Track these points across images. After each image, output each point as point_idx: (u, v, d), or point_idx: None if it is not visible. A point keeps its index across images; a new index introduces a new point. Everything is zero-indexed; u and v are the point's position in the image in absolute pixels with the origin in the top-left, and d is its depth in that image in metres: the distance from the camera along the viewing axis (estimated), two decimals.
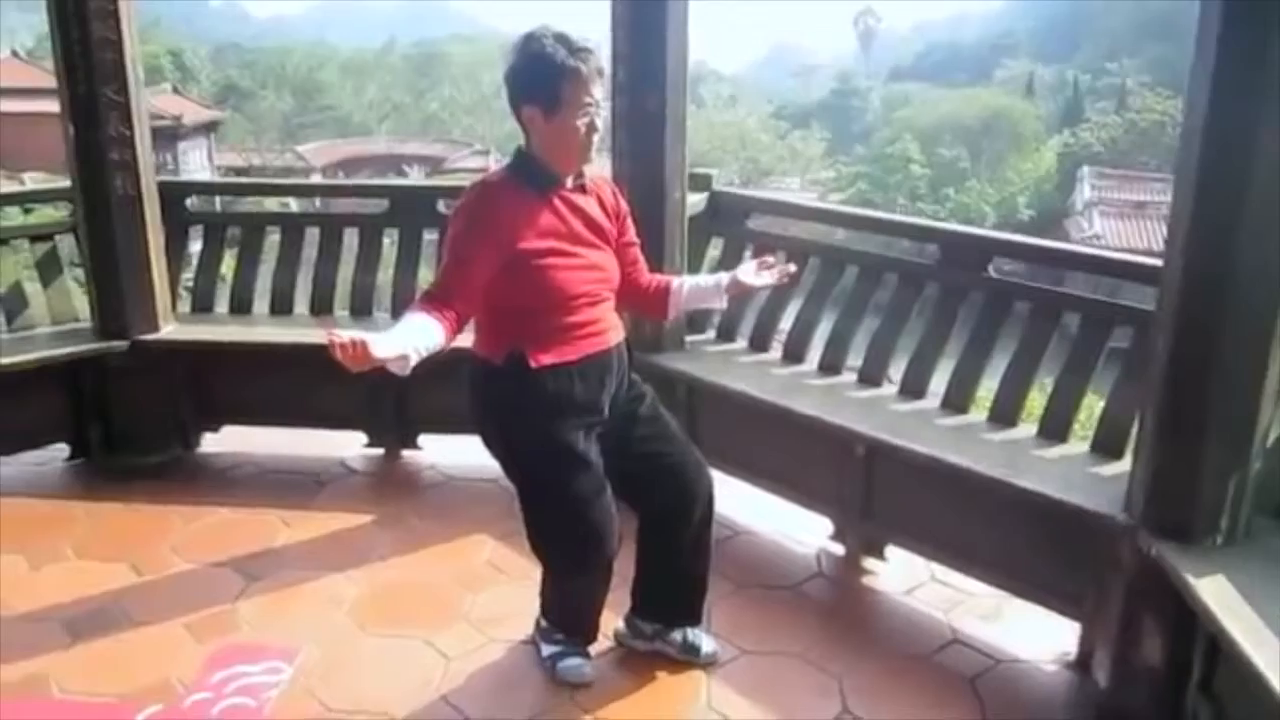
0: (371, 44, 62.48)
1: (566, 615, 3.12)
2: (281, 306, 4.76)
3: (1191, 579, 2.59)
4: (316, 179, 29.92)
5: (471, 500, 4.19)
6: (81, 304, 4.63)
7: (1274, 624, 2.38)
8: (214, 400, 4.61)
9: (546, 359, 2.68)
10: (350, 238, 4.80)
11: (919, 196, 37.94)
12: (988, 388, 3.73)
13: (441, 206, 4.72)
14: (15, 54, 31.88)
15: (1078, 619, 3.17)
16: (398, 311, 4.67)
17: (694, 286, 3.04)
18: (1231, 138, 2.48)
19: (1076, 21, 60.37)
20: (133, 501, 4.17)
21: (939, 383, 3.76)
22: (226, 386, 4.59)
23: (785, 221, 4.80)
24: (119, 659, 3.19)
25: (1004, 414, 3.55)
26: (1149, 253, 4.24)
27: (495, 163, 38.44)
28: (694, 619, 3.16)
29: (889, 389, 3.85)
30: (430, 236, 4.75)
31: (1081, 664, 3.13)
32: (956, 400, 3.66)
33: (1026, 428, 3.52)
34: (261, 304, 4.83)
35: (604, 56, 2.77)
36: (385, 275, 4.83)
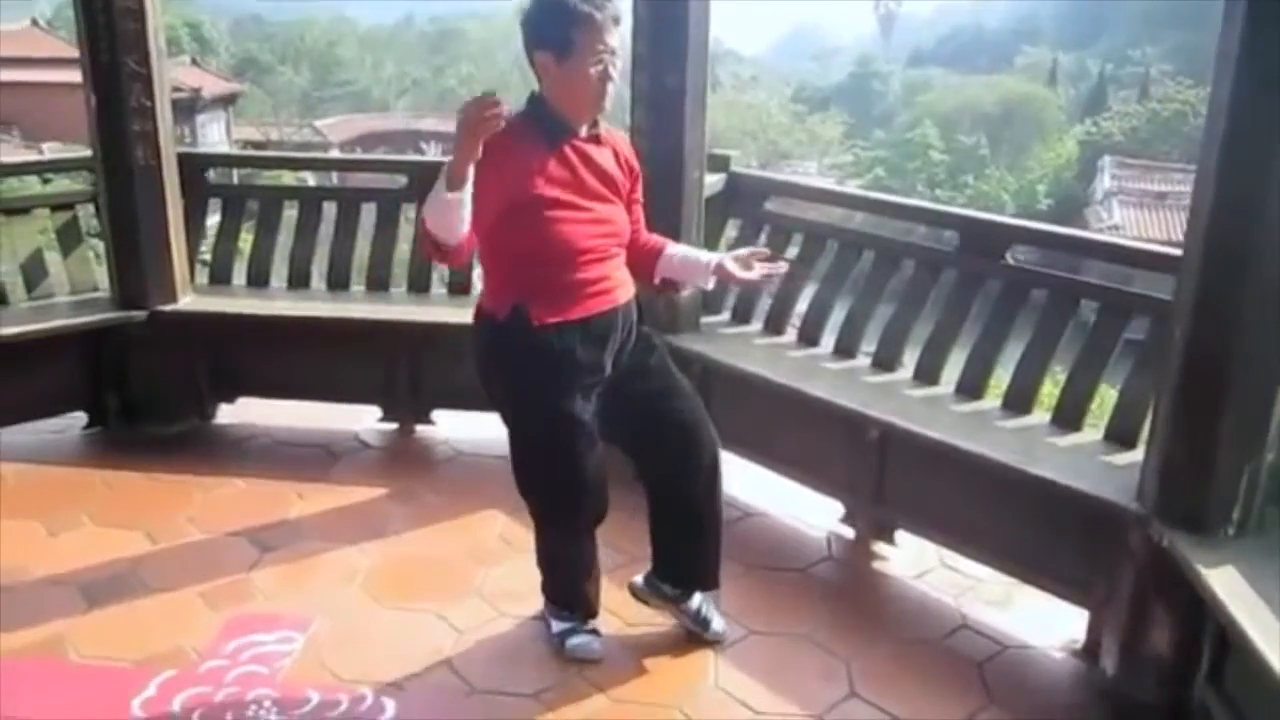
0: (389, 19, 62.31)
1: (558, 584, 3.13)
2: (299, 280, 4.77)
3: (1203, 569, 2.59)
4: (334, 154, 29.99)
5: (484, 476, 4.21)
6: (100, 274, 4.67)
7: None
8: (230, 372, 4.64)
9: (550, 317, 2.68)
10: (367, 213, 4.82)
11: (937, 183, 37.74)
12: (1001, 375, 3.74)
13: None
14: (35, 23, 31.92)
15: (1087, 607, 3.17)
16: (414, 286, 4.70)
17: (685, 258, 2.99)
18: (1254, 127, 2.47)
19: (1100, 8, 59.76)
20: (149, 470, 4.20)
21: (953, 369, 3.76)
22: (243, 358, 4.61)
23: (803, 204, 4.79)
24: (134, 625, 3.23)
25: (1018, 401, 3.55)
26: (1169, 243, 4.19)
27: None
28: (710, 583, 3.13)
29: (903, 374, 3.84)
30: None
31: (1089, 652, 3.14)
32: (971, 386, 3.66)
33: (1040, 415, 3.52)
34: (278, 278, 4.85)
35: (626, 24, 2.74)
36: (402, 251, 4.85)
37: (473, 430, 4.49)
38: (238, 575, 3.50)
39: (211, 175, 5.03)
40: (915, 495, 3.59)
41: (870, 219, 5.01)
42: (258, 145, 32.79)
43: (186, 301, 4.49)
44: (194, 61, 36.78)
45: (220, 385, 4.66)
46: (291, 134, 36.95)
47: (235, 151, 11.56)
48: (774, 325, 4.26)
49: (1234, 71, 2.47)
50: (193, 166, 4.66)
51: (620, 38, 2.65)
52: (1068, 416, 3.42)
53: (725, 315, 4.36)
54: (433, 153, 32.20)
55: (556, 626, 3.12)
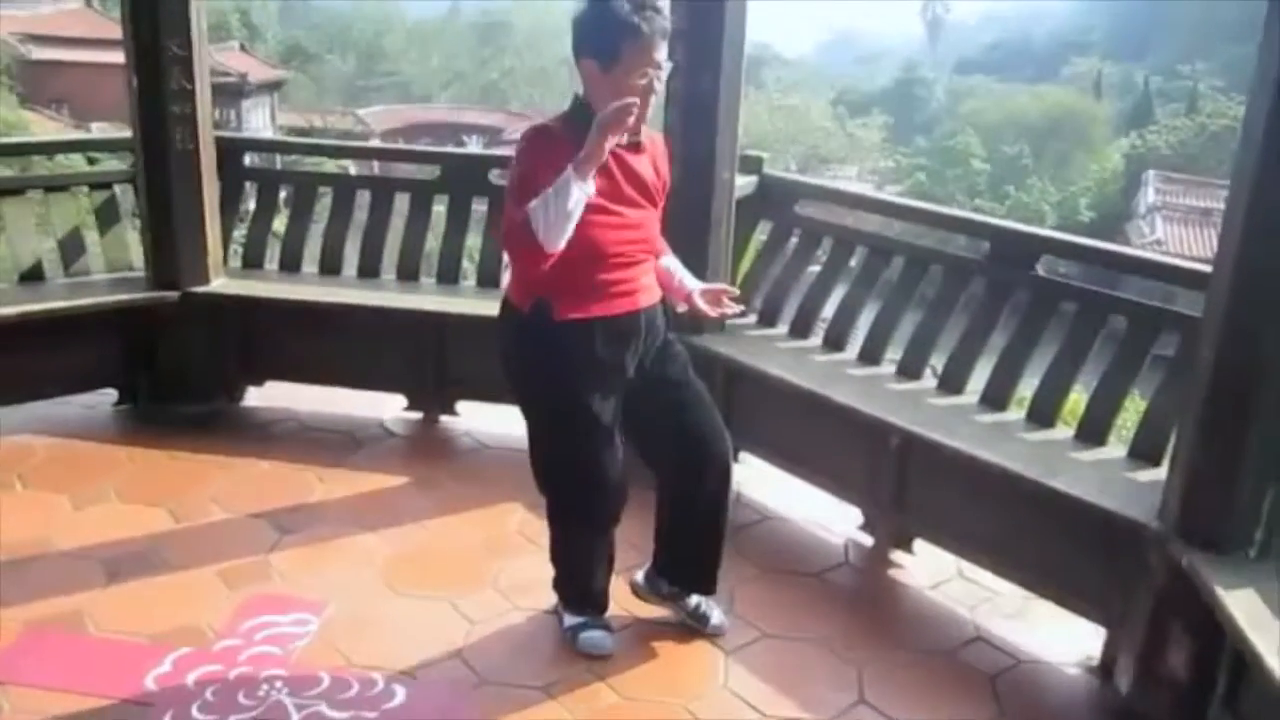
0: (437, 11, 62.61)
1: (568, 581, 3.14)
2: (330, 266, 4.81)
3: (1222, 591, 2.56)
4: (374, 143, 30.17)
5: (505, 469, 4.22)
6: (136, 253, 4.73)
7: None
8: (259, 355, 4.68)
9: (571, 313, 2.71)
10: (401, 202, 4.85)
11: (978, 192, 37.43)
12: (1027, 387, 3.70)
13: (493, 176, 4.76)
14: (89, 3, 32.35)
15: (1103, 624, 3.14)
16: (444, 277, 4.72)
17: (669, 271, 3.00)
18: None
19: (1152, 21, 59.04)
20: (175, 449, 4.25)
21: (978, 379, 3.73)
22: (272, 342, 4.65)
23: (838, 209, 4.77)
24: (153, 601, 3.27)
25: (1042, 414, 3.51)
26: (1211, 260, 4.10)
27: None
28: (707, 588, 3.17)
29: (928, 382, 3.82)
30: (480, 206, 4.80)
31: (1104, 669, 3.11)
32: (995, 397, 3.63)
33: (1064, 429, 3.49)
34: (310, 263, 4.89)
35: None
36: (433, 242, 4.88)
37: (496, 422, 4.50)
38: (256, 556, 3.54)
39: (249, 160, 5.09)
40: (935, 505, 3.56)
41: (908, 228, 4.98)
42: (301, 132, 33.00)
43: (219, 284, 4.54)
44: (242, 47, 37.14)
45: (249, 368, 4.71)
46: (335, 122, 37.18)
47: (271, 137, 11.68)
48: (800, 329, 4.24)
49: (1273, 89, 2.44)
50: (230, 150, 4.71)
51: (665, 52, 2.64)
52: (1092, 431, 3.39)
53: (751, 318, 4.35)
54: (474, 146, 32.48)
55: (568, 621, 3.13)
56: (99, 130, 16.47)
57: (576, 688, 2.94)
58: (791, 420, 3.89)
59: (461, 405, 4.64)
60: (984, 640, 3.27)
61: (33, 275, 4.50)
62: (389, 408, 4.68)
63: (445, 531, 3.77)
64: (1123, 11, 62.38)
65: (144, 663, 2.96)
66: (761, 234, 4.52)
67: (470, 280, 4.82)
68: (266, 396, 4.75)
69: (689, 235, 3.68)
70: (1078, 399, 3.83)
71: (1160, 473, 3.09)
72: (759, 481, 4.02)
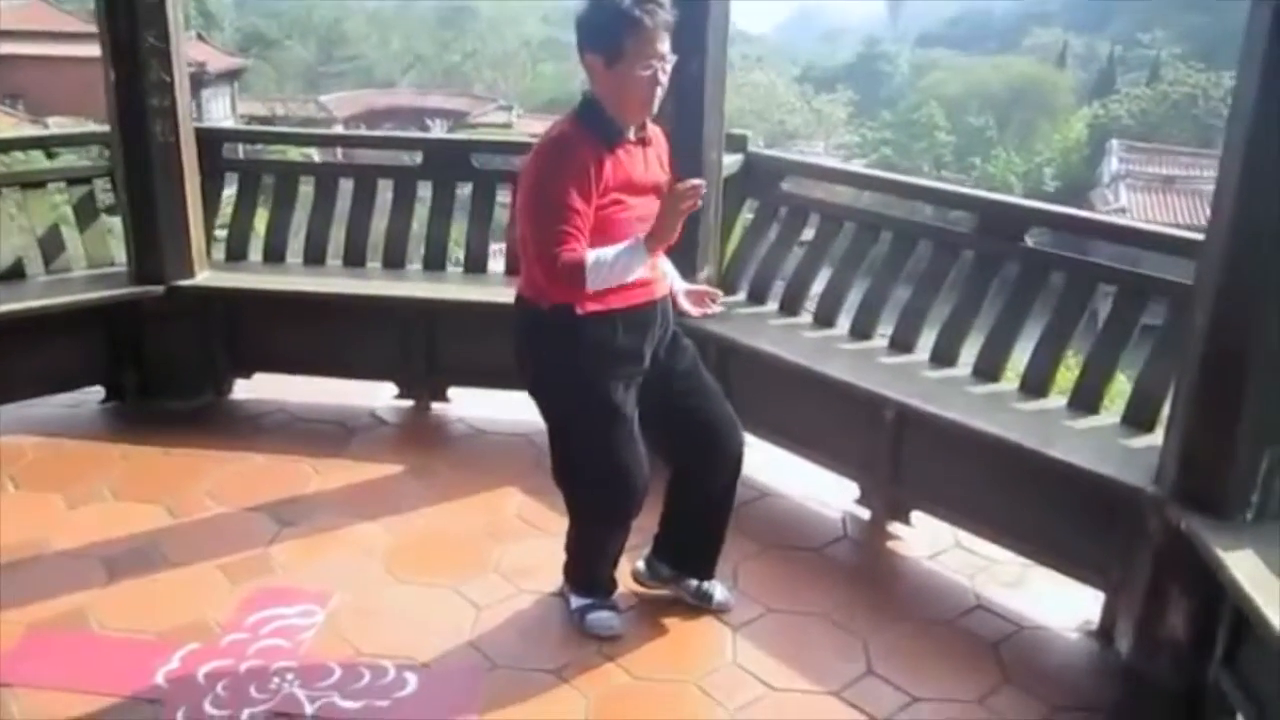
0: None
1: (585, 570, 3.16)
2: (315, 256, 4.78)
3: (1221, 553, 2.61)
4: (338, 130, 29.87)
5: (500, 454, 4.23)
6: (115, 248, 4.68)
7: None
8: (247, 347, 4.65)
9: (593, 306, 2.71)
10: (383, 190, 4.82)
11: (944, 164, 37.64)
12: (1018, 357, 3.74)
13: (475, 161, 4.75)
14: None
15: (1102, 589, 3.19)
16: (430, 264, 4.70)
17: (668, 273, 3.02)
18: None
19: None
20: (166, 445, 4.22)
21: (970, 351, 3.77)
22: (260, 334, 4.62)
23: (815, 184, 4.79)
24: (156, 598, 3.26)
25: (1035, 384, 3.56)
26: (1176, 227, 4.17)
27: (518, 118, 38.40)
28: (707, 573, 3.22)
29: (920, 355, 3.85)
30: (463, 190, 4.78)
31: (1104, 633, 3.16)
32: (988, 369, 3.67)
33: (1057, 398, 3.53)
34: (293, 254, 4.85)
35: None
36: (418, 228, 4.85)
37: (489, 408, 4.51)
38: (257, 549, 3.53)
39: (228, 151, 5.03)
40: (931, 476, 3.60)
41: (878, 198, 5.00)
42: (263, 120, 32.69)
43: (204, 277, 4.50)
44: (199, 36, 36.62)
45: (237, 361, 4.67)
46: (296, 109, 36.82)
47: (255, 127, 11.57)
48: (789, 306, 4.26)
49: (1262, 54, 2.47)
50: (209, 142, 4.66)
51: (669, 44, 2.65)
52: (1085, 399, 3.43)
53: (741, 295, 4.36)
54: (438, 130, 32.23)
55: (576, 602, 3.15)
56: (58, 124, 16.21)
57: (588, 669, 2.96)
58: (785, 397, 3.92)
59: (453, 391, 4.63)
60: (985, 608, 3.32)
61: (13, 274, 4.44)
62: (379, 396, 4.66)
63: (445, 518, 3.77)
64: None
65: (152, 659, 2.95)
66: (748, 212, 4.53)
67: (457, 267, 4.79)
68: (255, 389, 4.72)
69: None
70: (1068, 368, 3.87)
71: (1154, 439, 3.14)
72: (755, 459, 3.99)
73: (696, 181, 2.57)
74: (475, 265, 4.70)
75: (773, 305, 4.31)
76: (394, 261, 4.75)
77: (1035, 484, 3.28)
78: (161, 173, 4.26)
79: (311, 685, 2.87)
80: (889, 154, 38.15)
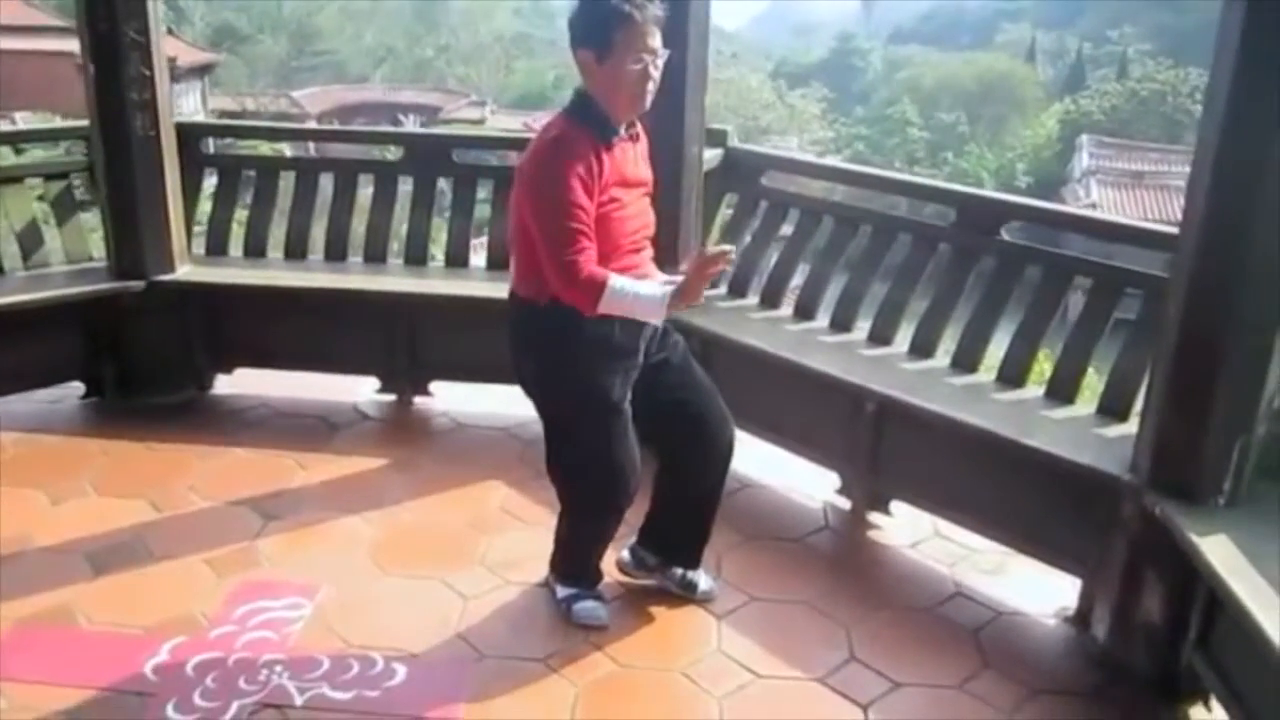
0: None
1: (574, 561, 3.19)
2: (296, 251, 4.78)
3: (1195, 538, 2.67)
4: (310, 125, 29.67)
5: (484, 447, 4.25)
6: (94, 243, 4.66)
7: (1275, 583, 2.46)
8: (228, 342, 4.64)
9: None
10: (364, 185, 4.83)
11: (916, 160, 37.85)
12: (995, 349, 3.80)
13: (456, 156, 4.77)
14: None
15: (1079, 575, 3.25)
16: (412, 259, 4.72)
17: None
18: (1252, 107, 2.53)
19: None
20: (148, 440, 4.22)
21: (949, 343, 3.83)
22: (241, 329, 4.62)
23: (795, 179, 4.83)
24: (142, 592, 3.26)
25: (1012, 375, 3.62)
26: (1147, 223, 4.26)
27: (491, 114, 38.29)
28: (693, 562, 3.26)
29: (899, 347, 3.91)
30: (444, 184, 4.80)
31: (1081, 619, 3.22)
32: (966, 360, 3.73)
33: (1034, 389, 3.59)
34: (274, 248, 4.84)
35: None
36: (399, 223, 4.86)
37: (471, 402, 4.54)
38: (242, 543, 3.54)
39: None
40: (911, 466, 3.66)
41: (856, 193, 5.05)
42: (234, 116, 32.43)
43: (184, 271, 4.50)
44: (169, 30, 36.19)
45: (218, 356, 4.67)
46: (268, 104, 36.51)
47: (236, 122, 11.48)
48: (770, 299, 4.31)
49: (1235, 51, 2.53)
50: (189, 136, 4.65)
51: (660, 39, 2.68)
52: (1061, 390, 3.50)
53: (722, 289, 4.40)
54: (410, 125, 32.06)
55: (562, 592, 3.18)
56: (24, 120, 16.04)
57: (576, 658, 2.99)
58: (767, 389, 3.95)
59: (435, 386, 4.64)
60: (964, 596, 3.38)
61: None
62: (362, 391, 4.67)
63: (429, 511, 3.79)
64: None
65: (140, 653, 2.95)
66: (728, 207, 4.57)
67: (439, 262, 4.81)
68: (237, 384, 4.72)
69: (661, 212, 3.69)
70: (1044, 359, 3.94)
71: (1129, 428, 3.21)
72: (737, 450, 4.05)
73: (727, 248, 2.66)
74: (456, 260, 4.72)
75: (753, 299, 4.36)
76: (375, 256, 4.75)
77: (1013, 473, 3.33)
78: (141, 167, 4.26)
79: (301, 676, 2.88)
80: (862, 150, 38.37)
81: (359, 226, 4.85)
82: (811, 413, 3.88)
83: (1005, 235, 3.74)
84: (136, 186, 4.28)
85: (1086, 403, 3.49)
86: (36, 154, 4.87)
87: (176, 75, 31.68)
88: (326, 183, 4.85)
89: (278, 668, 2.92)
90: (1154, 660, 2.95)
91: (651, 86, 2.71)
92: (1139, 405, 3.14)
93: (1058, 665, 3.11)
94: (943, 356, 3.81)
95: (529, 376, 2.92)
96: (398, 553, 3.51)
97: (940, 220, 4.02)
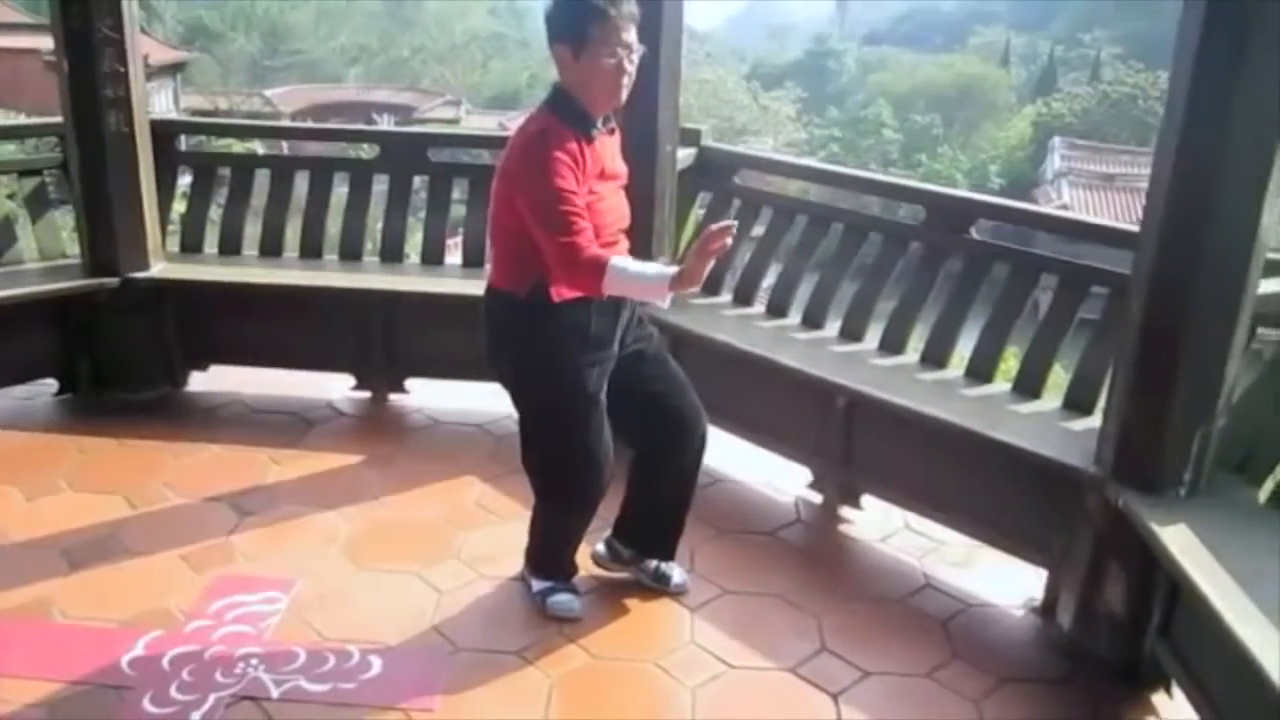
0: None
1: (548, 554, 3.22)
2: (271, 248, 4.78)
3: (1156, 527, 2.73)
4: (284, 124, 29.50)
5: (459, 443, 4.28)
6: (68, 240, 4.65)
7: (1232, 570, 2.53)
8: (203, 339, 4.64)
9: (569, 293, 2.78)
10: (339, 183, 4.84)
11: (891, 161, 38.03)
12: (964, 345, 3.86)
13: (432, 154, 4.79)
14: None
15: (1045, 566, 3.32)
16: (387, 256, 4.73)
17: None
18: (1209, 111, 2.59)
19: None
20: (123, 437, 4.22)
21: (918, 339, 3.89)
22: (215, 326, 4.62)
23: (768, 178, 4.88)
24: (118, 587, 3.27)
25: (980, 370, 3.68)
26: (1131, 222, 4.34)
27: (466, 114, 38.21)
28: (668, 554, 3.30)
29: (870, 344, 3.96)
30: (419, 183, 4.82)
31: (1047, 609, 3.29)
32: (935, 356, 3.79)
33: (1001, 384, 3.65)
34: (249, 246, 4.85)
35: None
36: (374, 220, 4.88)
37: (446, 399, 4.57)
38: (218, 539, 3.55)
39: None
40: (881, 461, 3.71)
41: (828, 192, 5.10)
42: (207, 115, 32.21)
43: (159, 269, 4.49)
44: (141, 28, 35.94)
45: (192, 352, 4.67)
46: (241, 103, 36.27)
47: (211, 120, 11.45)
48: (743, 296, 4.35)
49: (1193, 53, 2.59)
50: (164, 134, 4.64)
51: (635, 34, 2.73)
52: (1028, 385, 3.56)
53: (695, 287, 4.42)
54: (384, 125, 31.94)
55: (537, 585, 3.21)
56: None
57: (550, 650, 3.02)
58: (740, 385, 3.99)
59: (411, 382, 4.66)
60: (933, 587, 3.43)
61: None
62: (337, 388, 4.68)
63: (405, 507, 3.81)
64: None
65: (116, 647, 2.96)
66: (701, 205, 4.61)
67: (414, 259, 4.83)
68: (211, 381, 4.72)
69: (634, 210, 3.73)
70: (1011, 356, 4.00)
71: (1093, 421, 3.27)
72: (710, 446, 4.10)
73: (728, 223, 2.64)
74: (432, 257, 4.74)
75: (726, 296, 4.40)
76: (350, 254, 4.77)
77: (981, 467, 3.39)
78: (116, 164, 4.26)
79: (277, 669, 2.90)
80: (837, 151, 38.50)
81: (334, 226, 4.86)
82: (783, 408, 3.93)
83: (974, 234, 3.80)
84: (110, 183, 4.27)
85: (1053, 397, 3.56)
86: (7, 149, 4.83)
87: (149, 73, 31.25)
88: (301, 181, 4.85)
89: (254, 661, 2.93)
90: (1118, 648, 3.02)
91: (627, 81, 2.75)
92: (1103, 400, 3.21)
93: (1024, 654, 3.17)
94: (912, 353, 3.87)
95: (505, 368, 2.95)
96: (373, 547, 3.54)
97: (911, 219, 4.09)
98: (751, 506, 3.91)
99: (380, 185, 4.78)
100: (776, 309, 4.24)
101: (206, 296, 4.54)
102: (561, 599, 3.17)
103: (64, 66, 4.12)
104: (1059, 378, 3.96)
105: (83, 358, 4.50)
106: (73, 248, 4.59)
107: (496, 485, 3.90)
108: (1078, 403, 3.43)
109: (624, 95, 2.78)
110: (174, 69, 35.57)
